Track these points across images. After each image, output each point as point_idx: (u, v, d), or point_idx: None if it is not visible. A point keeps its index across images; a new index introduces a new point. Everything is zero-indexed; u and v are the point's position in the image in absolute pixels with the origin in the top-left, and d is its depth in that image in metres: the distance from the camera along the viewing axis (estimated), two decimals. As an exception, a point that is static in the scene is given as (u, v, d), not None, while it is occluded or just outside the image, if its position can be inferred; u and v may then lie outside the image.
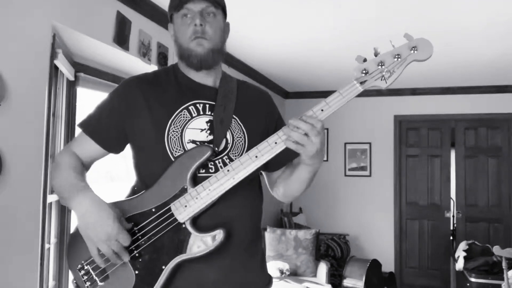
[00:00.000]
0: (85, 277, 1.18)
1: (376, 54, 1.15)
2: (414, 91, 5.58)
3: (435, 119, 5.58)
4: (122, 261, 1.14)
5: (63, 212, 2.57)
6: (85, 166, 1.29)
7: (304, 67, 4.60)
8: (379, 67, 1.14)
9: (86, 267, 1.18)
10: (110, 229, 1.08)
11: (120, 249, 1.10)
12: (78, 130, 1.31)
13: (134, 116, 1.23)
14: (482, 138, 5.50)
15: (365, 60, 1.15)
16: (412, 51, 1.14)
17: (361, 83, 1.15)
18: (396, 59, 1.14)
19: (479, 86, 5.35)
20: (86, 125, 1.28)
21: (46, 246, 2.26)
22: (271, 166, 1.33)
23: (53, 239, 2.48)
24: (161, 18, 2.86)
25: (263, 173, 1.41)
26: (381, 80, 1.14)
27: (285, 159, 1.33)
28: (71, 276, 1.22)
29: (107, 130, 1.26)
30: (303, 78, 5.14)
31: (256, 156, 1.15)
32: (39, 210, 1.94)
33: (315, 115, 1.12)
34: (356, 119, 5.76)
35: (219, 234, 1.12)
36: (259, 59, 4.30)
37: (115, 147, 1.29)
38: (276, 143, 1.15)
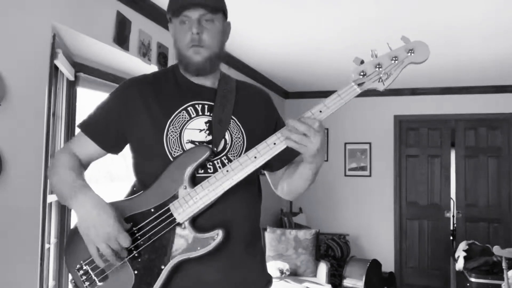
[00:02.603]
0: (84, 277, 1.18)
1: (373, 56, 1.15)
2: (414, 91, 5.57)
3: (435, 119, 5.58)
4: (121, 261, 1.14)
5: (63, 212, 2.57)
6: (83, 165, 1.29)
7: (304, 67, 4.60)
8: (377, 69, 1.14)
9: (85, 267, 1.18)
10: (111, 229, 1.09)
11: (119, 249, 1.11)
12: (77, 130, 1.32)
13: (132, 117, 1.23)
14: (482, 138, 5.49)
15: (362, 62, 1.15)
16: (409, 54, 1.14)
17: (359, 84, 1.15)
18: (393, 61, 1.14)
19: (479, 86, 5.35)
20: (85, 126, 1.29)
21: (46, 246, 2.26)
22: (273, 165, 1.34)
23: (53, 239, 2.48)
24: (161, 18, 2.85)
25: (265, 172, 1.41)
26: (379, 82, 1.15)
27: (286, 158, 1.34)
28: (71, 277, 1.22)
29: (106, 131, 1.27)
30: (303, 78, 5.13)
31: (255, 157, 1.15)
32: (39, 210, 1.94)
33: (313, 116, 1.13)
34: (356, 119, 5.75)
35: (218, 234, 1.13)
36: (259, 59, 4.29)
37: (114, 147, 1.30)
38: (275, 143, 1.15)
